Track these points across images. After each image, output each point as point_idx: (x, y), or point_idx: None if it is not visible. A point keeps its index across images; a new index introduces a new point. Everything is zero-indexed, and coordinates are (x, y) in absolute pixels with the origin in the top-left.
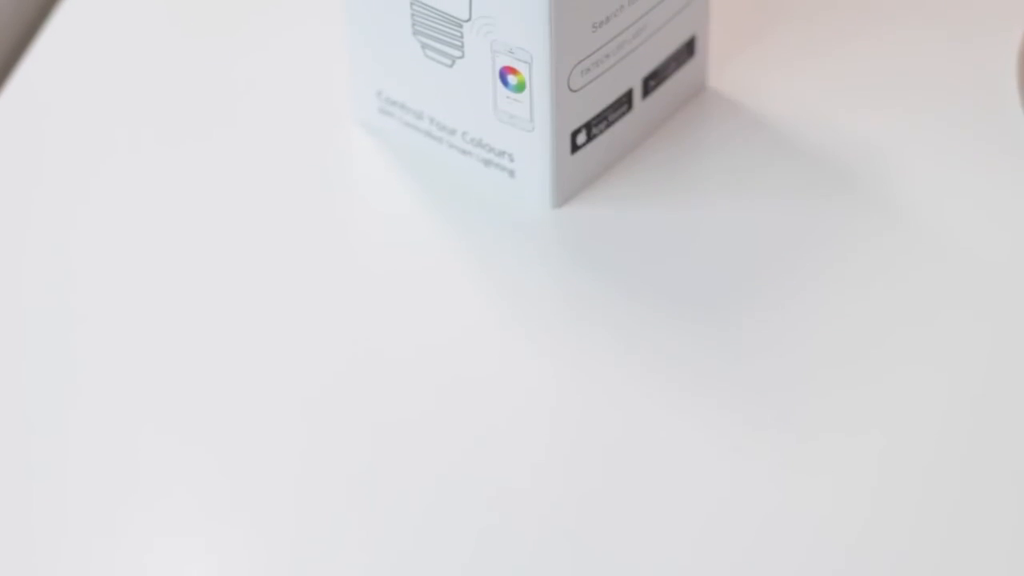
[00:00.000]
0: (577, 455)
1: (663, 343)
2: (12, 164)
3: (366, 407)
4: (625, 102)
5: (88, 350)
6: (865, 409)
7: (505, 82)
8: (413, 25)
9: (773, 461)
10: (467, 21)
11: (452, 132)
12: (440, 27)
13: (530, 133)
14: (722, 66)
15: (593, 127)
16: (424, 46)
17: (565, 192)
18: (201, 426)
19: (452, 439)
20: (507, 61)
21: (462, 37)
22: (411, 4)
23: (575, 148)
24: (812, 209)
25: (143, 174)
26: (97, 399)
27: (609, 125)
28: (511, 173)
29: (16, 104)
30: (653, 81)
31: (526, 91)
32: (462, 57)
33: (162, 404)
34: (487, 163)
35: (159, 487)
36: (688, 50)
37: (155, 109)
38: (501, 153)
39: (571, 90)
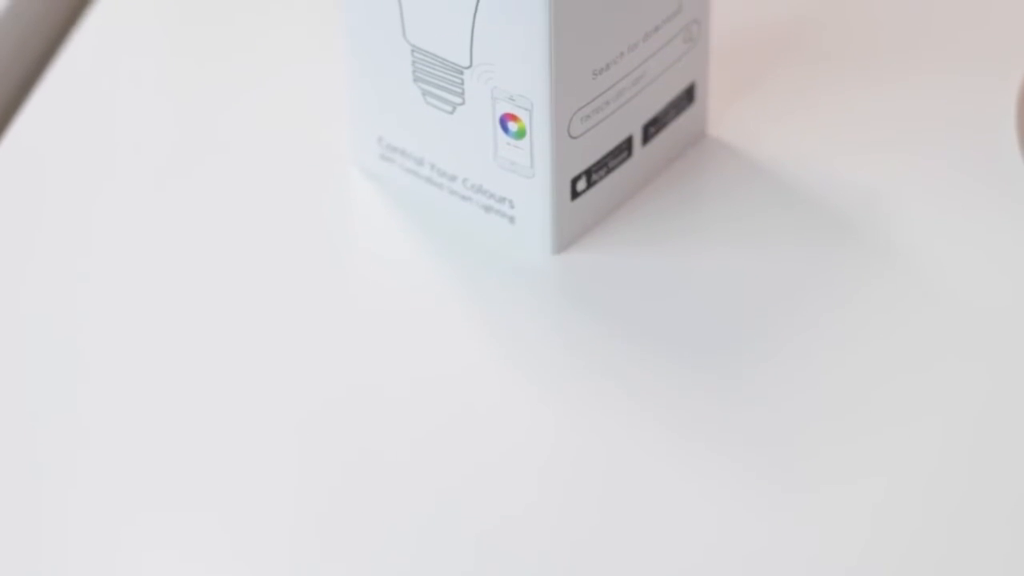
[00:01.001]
0: (570, 498)
1: (660, 389)
2: (12, 204)
3: (361, 443)
4: (625, 149)
5: (86, 385)
6: (862, 460)
7: (505, 129)
8: (414, 72)
9: (766, 510)
10: (468, 68)
11: (453, 178)
12: (441, 74)
13: (530, 179)
14: (721, 113)
15: (593, 174)
16: (425, 93)
17: (565, 238)
18: (196, 461)
19: (444, 477)
20: (507, 108)
21: (463, 84)
22: (412, 51)
23: (575, 195)
24: (812, 256)
25: (141, 216)
26: (95, 435)
27: (609, 172)
28: (511, 219)
29: (17, 141)
30: (653, 128)
31: (526, 138)
32: (463, 104)
33: (162, 439)
34: (487, 209)
35: (153, 528)
36: (688, 97)
37: (154, 151)
38: (501, 199)
39: (571, 137)
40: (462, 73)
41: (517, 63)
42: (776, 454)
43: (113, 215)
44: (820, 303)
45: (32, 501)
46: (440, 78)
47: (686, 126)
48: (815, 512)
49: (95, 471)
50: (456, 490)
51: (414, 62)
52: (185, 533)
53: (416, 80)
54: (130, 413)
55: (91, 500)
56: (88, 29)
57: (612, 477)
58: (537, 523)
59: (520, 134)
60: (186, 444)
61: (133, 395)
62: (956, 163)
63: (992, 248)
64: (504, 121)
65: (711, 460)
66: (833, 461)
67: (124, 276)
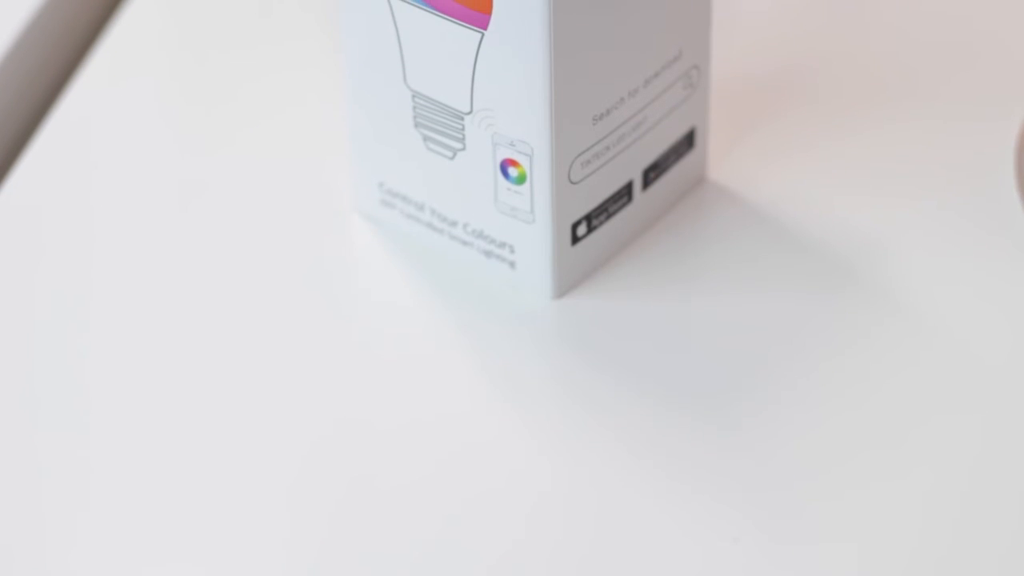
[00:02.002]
0: (561, 545)
1: (657, 436)
2: (12, 250)
3: (355, 482)
4: (625, 194)
5: (84, 428)
6: (861, 512)
7: (506, 174)
8: (415, 118)
9: (761, 561)
10: (468, 114)
11: (453, 224)
12: (441, 120)
13: (531, 225)
14: (721, 157)
15: (593, 219)
16: (426, 138)
17: (565, 283)
18: (194, 497)
19: (437, 518)
20: (508, 153)
21: (463, 130)
22: (413, 97)
23: (575, 240)
24: (812, 302)
25: (142, 258)
26: (96, 489)
27: (609, 217)
28: (512, 264)
29: (17, 188)
30: (653, 173)
31: (527, 183)
32: (463, 149)
33: (165, 475)
34: (488, 254)
35: (153, 562)
36: (688, 142)
37: (155, 193)
38: (502, 244)
39: (571, 182)
40: (463, 119)
41: (517, 109)
42: (773, 504)
43: (113, 257)
44: (820, 350)
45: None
46: (441, 123)
47: (686, 171)
48: (811, 564)
49: (97, 520)
50: (448, 531)
51: (415, 107)
52: (181, 566)
53: (417, 125)
54: (133, 457)
55: (94, 551)
56: (90, 68)
57: (605, 523)
58: (527, 567)
59: (520, 179)
60: (185, 481)
61: (136, 437)
62: (956, 207)
63: (992, 294)
64: (504, 166)
65: (707, 508)
66: (831, 513)
67: (125, 317)
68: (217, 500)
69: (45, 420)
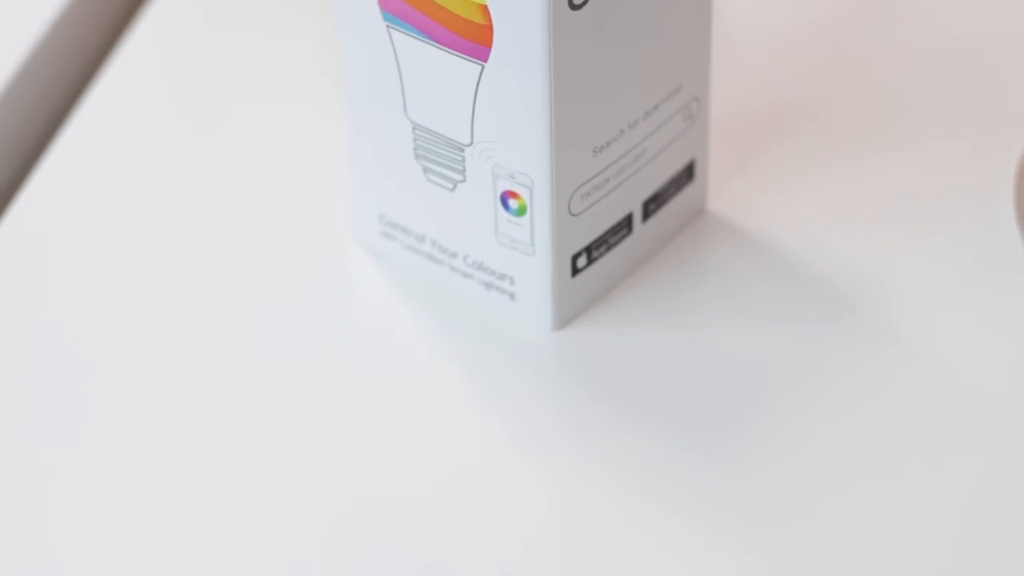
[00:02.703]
0: (558, 573)
1: (656, 468)
2: (11, 288)
3: (352, 507)
4: (625, 226)
5: (87, 452)
6: (861, 545)
7: (506, 206)
8: (415, 149)
9: None
10: (469, 146)
11: (453, 255)
12: (442, 151)
13: (531, 257)
14: (721, 188)
15: (593, 251)
16: (426, 170)
17: (565, 315)
18: (193, 517)
19: (432, 548)
20: (508, 185)
21: (464, 161)
22: (413, 128)
23: (575, 271)
24: (812, 334)
25: (144, 287)
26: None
27: (609, 248)
28: (512, 296)
29: (22, 212)
30: (653, 205)
31: (527, 215)
32: (464, 181)
33: (166, 499)
34: (488, 286)
35: None
36: (688, 174)
37: (156, 222)
38: (502, 276)
39: (572, 214)
40: (463, 150)
41: (518, 141)
42: (774, 538)
43: (114, 284)
44: (821, 382)
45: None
46: (441, 155)
47: (686, 203)
48: None
49: (100, 548)
50: (444, 559)
51: (415, 139)
52: None
53: (417, 157)
54: (134, 482)
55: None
56: (93, 95)
57: (602, 556)
58: None
59: (521, 211)
60: (185, 499)
61: (138, 463)
62: (955, 238)
63: (992, 326)
64: (505, 198)
65: (706, 541)
66: (831, 546)
67: (128, 342)
68: (217, 522)
69: (46, 442)
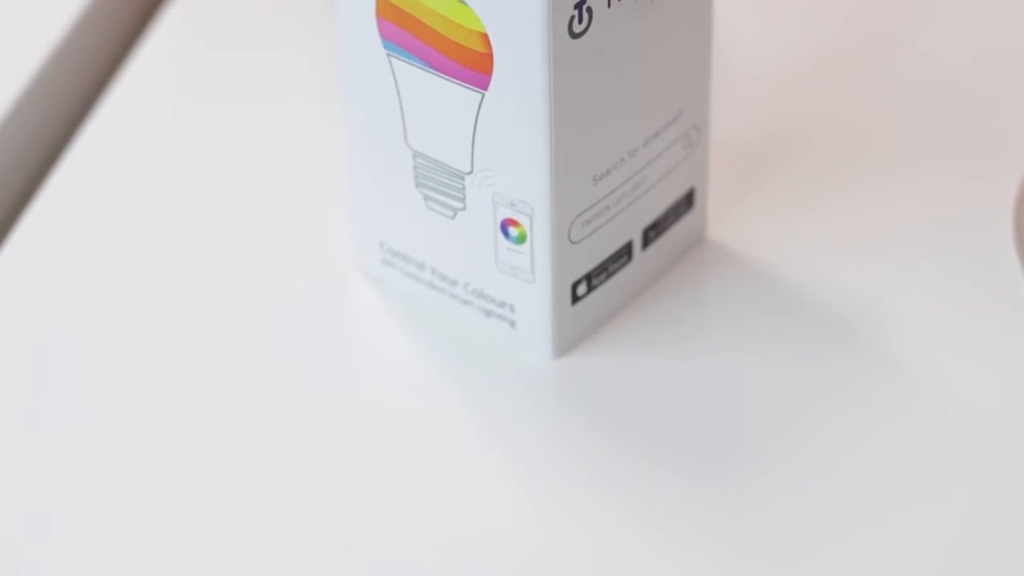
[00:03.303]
0: None
1: (655, 498)
2: (14, 312)
3: (349, 528)
4: (625, 253)
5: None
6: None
7: (506, 234)
8: (415, 177)
9: None
10: (469, 174)
11: (454, 283)
12: (442, 179)
13: (531, 284)
14: (721, 216)
15: (593, 278)
16: (426, 198)
17: (565, 343)
18: (192, 541)
19: (427, 566)
20: (508, 213)
21: (464, 189)
22: (414, 156)
23: (575, 299)
24: (812, 363)
25: (146, 315)
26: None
27: (609, 276)
28: (512, 323)
29: (18, 253)
30: (653, 232)
31: (527, 243)
32: (464, 209)
33: (167, 526)
34: (488, 313)
35: None
36: (687, 202)
37: (156, 250)
38: (502, 304)
39: (571, 242)
40: (463, 178)
41: (518, 169)
42: (773, 570)
43: (115, 313)
44: (821, 413)
45: None
46: (441, 183)
47: (686, 230)
48: None
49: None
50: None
51: (415, 167)
52: None
53: (418, 185)
54: (137, 513)
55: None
56: (94, 124)
57: None
58: None
59: (521, 239)
60: (186, 529)
61: (140, 488)
62: (955, 266)
63: (993, 357)
64: (505, 226)
65: (705, 572)
66: None
67: (128, 371)
68: (216, 544)
69: (48, 469)
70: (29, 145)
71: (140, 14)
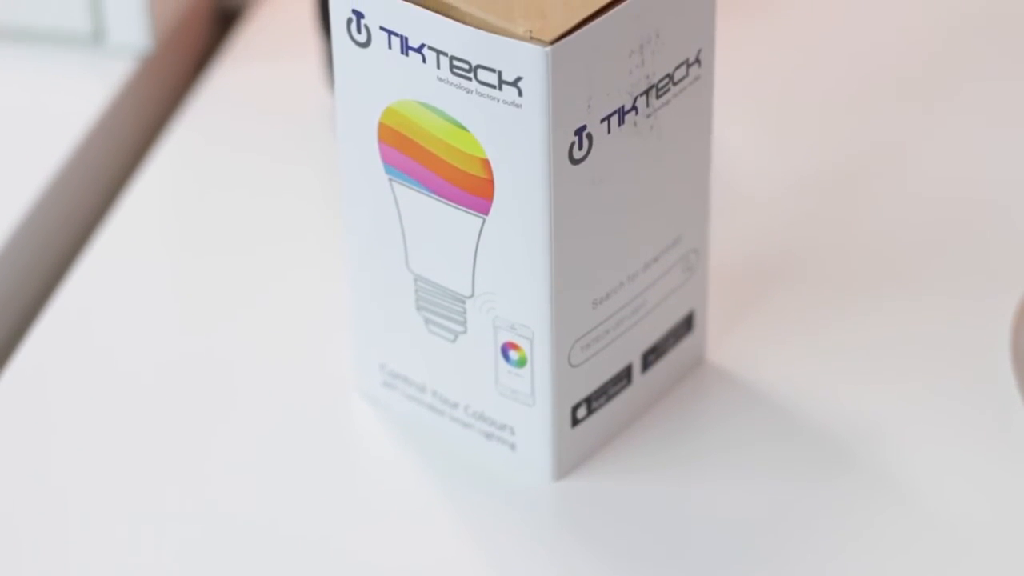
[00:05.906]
0: None
1: None
2: (13, 447)
3: None
4: (625, 377)
5: None
6: None
7: (507, 357)
8: (417, 300)
9: None
10: (470, 297)
11: (454, 405)
12: (443, 303)
13: (531, 408)
14: (720, 338)
15: (593, 401)
16: (428, 321)
17: (565, 465)
18: None
19: None
20: (509, 337)
21: (465, 313)
22: (415, 280)
23: (575, 422)
24: (811, 488)
25: (147, 436)
26: None
27: (609, 399)
28: (512, 446)
29: (16, 384)
30: (652, 356)
31: (527, 366)
32: (464, 332)
33: None
34: (488, 436)
35: None
36: (687, 325)
37: (155, 372)
38: (502, 427)
39: (571, 365)
40: (464, 302)
41: (518, 293)
42: None
43: (115, 437)
44: (821, 539)
45: None
46: (442, 307)
47: (685, 353)
48: None
49: None
50: None
51: (417, 291)
52: None
53: (419, 308)
54: None
55: None
56: (96, 246)
57: None
58: None
59: (521, 362)
60: None
61: None
62: (954, 389)
63: (995, 483)
64: (505, 350)
65: None
66: None
67: (129, 492)
68: None
69: None
70: (27, 275)
71: (142, 138)
